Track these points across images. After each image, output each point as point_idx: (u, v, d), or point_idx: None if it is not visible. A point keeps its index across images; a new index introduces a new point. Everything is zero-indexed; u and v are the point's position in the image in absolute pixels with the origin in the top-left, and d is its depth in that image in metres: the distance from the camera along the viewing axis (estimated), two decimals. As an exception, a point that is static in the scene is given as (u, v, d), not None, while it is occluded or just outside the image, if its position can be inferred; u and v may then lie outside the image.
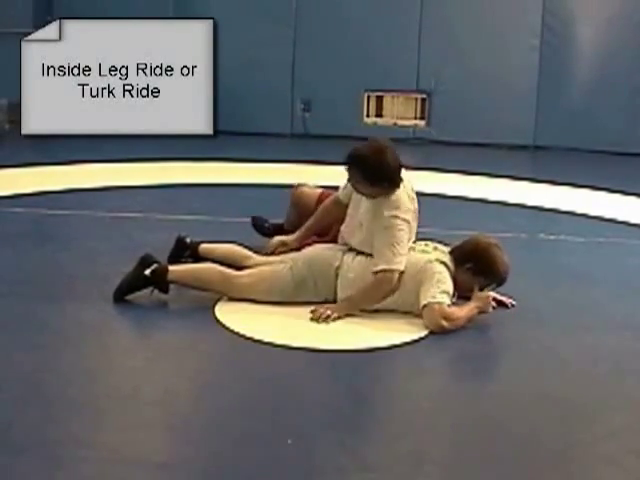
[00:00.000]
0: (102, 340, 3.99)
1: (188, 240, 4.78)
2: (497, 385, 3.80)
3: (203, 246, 4.75)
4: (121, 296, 4.33)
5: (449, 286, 4.24)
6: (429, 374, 3.89)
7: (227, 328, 4.09)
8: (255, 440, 3.09)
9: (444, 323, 4.12)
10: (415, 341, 4.06)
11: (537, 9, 9.63)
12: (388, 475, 2.90)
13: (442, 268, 4.27)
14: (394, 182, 4.31)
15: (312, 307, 4.27)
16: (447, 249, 4.43)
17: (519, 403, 3.51)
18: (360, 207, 4.44)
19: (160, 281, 4.33)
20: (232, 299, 4.38)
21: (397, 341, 4.04)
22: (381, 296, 4.28)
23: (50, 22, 9.82)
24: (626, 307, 4.68)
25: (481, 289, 4.39)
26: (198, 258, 4.71)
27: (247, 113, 9.73)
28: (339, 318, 4.22)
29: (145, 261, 4.35)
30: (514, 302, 4.52)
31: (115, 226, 5.80)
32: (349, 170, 4.34)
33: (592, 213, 6.74)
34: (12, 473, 2.79)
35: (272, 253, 4.71)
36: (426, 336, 4.10)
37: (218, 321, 4.17)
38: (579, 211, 6.81)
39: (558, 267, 5.37)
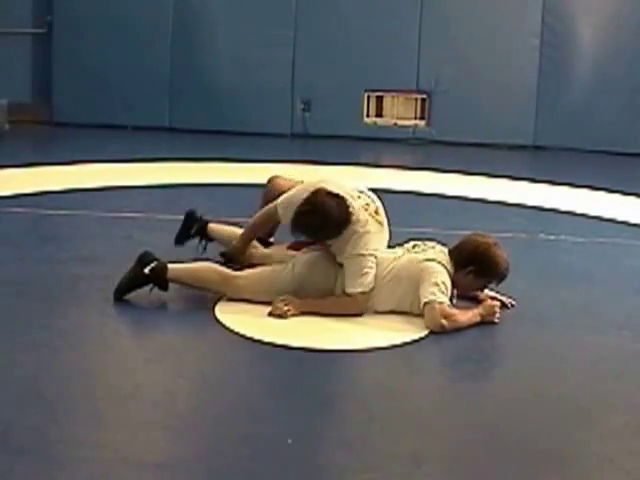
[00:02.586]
0: (102, 340, 3.99)
1: (198, 215, 4.84)
2: (497, 385, 3.80)
3: (212, 225, 4.83)
4: (121, 295, 4.33)
5: (448, 286, 4.24)
6: (429, 374, 3.90)
7: (227, 328, 4.09)
8: (255, 440, 3.09)
9: (444, 323, 4.12)
10: (415, 341, 4.06)
11: (537, 9, 9.63)
12: (388, 475, 2.90)
13: (440, 268, 4.26)
14: (344, 227, 4.26)
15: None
16: (446, 249, 4.42)
17: (519, 403, 3.51)
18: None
19: (159, 279, 4.33)
20: (232, 299, 4.38)
21: (397, 341, 4.04)
22: (344, 314, 4.28)
23: (50, 22, 9.85)
24: (626, 307, 4.68)
25: (483, 288, 4.40)
26: (205, 235, 4.78)
27: (247, 113, 9.73)
28: (295, 315, 4.24)
29: (144, 259, 4.34)
30: (513, 302, 4.52)
31: (115, 226, 5.79)
32: (298, 232, 4.33)
33: (591, 213, 6.74)
34: (12, 473, 2.79)
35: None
36: (426, 336, 4.10)
37: (218, 321, 4.17)
38: (578, 211, 6.81)
39: (558, 267, 5.38)
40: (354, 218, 4.29)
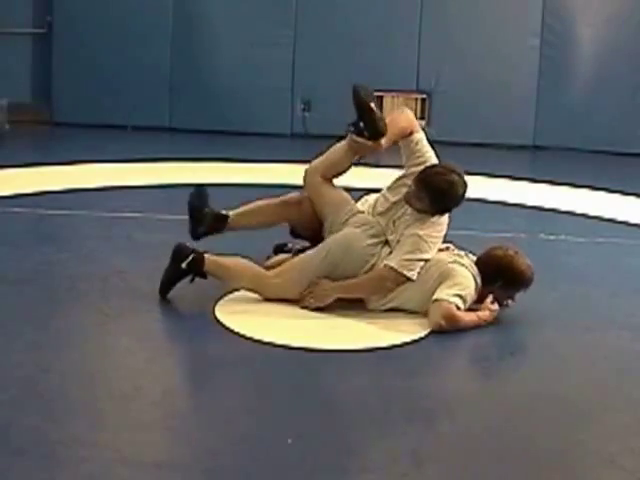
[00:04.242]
0: (102, 340, 4.00)
1: (224, 212, 4.67)
2: (497, 385, 3.80)
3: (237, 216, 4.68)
4: (166, 292, 4.38)
5: (467, 294, 4.23)
6: (429, 374, 3.90)
7: (227, 328, 4.09)
8: (255, 440, 3.09)
9: (443, 322, 4.12)
10: (415, 341, 4.06)
11: (537, 9, 9.63)
12: (388, 475, 2.90)
13: (467, 274, 4.26)
14: (450, 210, 4.38)
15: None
16: (474, 258, 4.44)
17: (519, 403, 3.51)
18: (405, 213, 4.40)
19: (198, 271, 4.35)
20: (232, 300, 4.38)
21: (398, 341, 4.04)
22: (377, 291, 4.29)
23: (50, 22, 9.86)
24: (626, 307, 4.68)
25: (514, 297, 4.41)
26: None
27: (247, 113, 9.73)
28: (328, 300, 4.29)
29: (180, 254, 4.35)
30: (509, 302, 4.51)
31: (115, 226, 5.79)
32: (418, 190, 4.30)
33: (591, 213, 6.75)
34: (12, 473, 2.79)
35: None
36: (427, 336, 4.11)
37: (218, 321, 4.17)
38: (578, 211, 6.81)
39: (558, 267, 5.37)
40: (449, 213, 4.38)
